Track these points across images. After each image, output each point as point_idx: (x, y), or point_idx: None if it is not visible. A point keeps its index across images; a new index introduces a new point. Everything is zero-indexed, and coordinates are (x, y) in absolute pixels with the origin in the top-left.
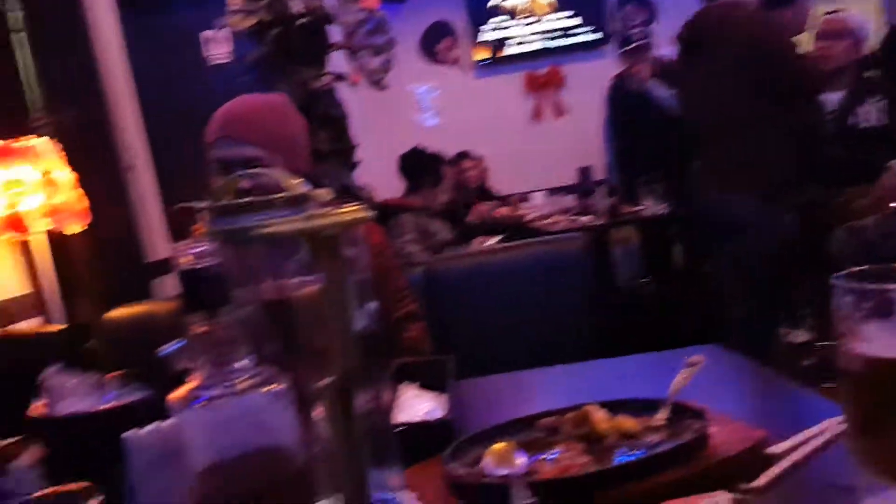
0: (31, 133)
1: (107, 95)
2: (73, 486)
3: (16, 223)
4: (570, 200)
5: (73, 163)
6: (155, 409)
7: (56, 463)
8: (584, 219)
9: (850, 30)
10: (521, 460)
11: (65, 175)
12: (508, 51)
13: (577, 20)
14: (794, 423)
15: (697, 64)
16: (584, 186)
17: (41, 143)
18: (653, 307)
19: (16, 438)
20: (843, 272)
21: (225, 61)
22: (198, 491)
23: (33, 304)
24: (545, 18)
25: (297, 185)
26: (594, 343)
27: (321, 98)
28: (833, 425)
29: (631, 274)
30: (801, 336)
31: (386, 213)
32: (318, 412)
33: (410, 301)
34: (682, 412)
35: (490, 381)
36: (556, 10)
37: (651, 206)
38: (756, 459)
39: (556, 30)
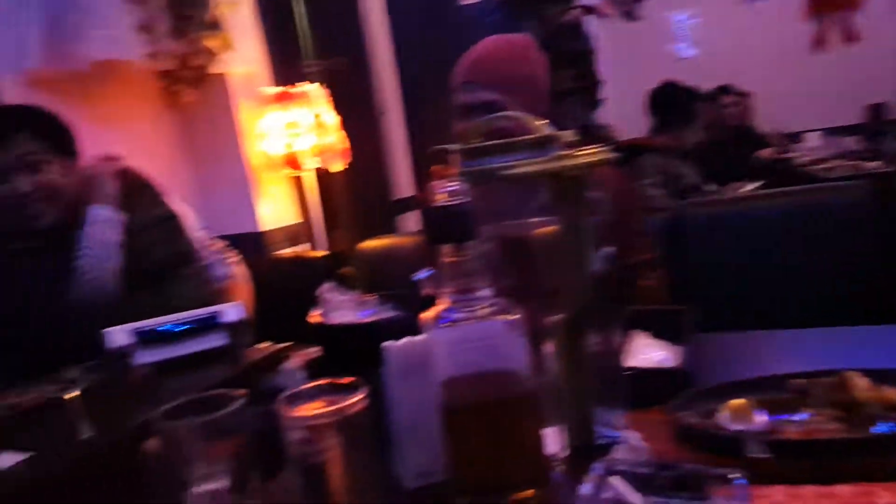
0: (304, 79)
1: (367, 43)
2: (343, 379)
3: (292, 161)
4: (852, 143)
5: (338, 107)
6: (408, 326)
7: (326, 364)
8: (871, 164)
9: None
10: (760, 418)
11: (331, 118)
12: None
13: None
14: None
15: None
16: (873, 127)
17: (313, 89)
18: None
19: (287, 344)
20: None
21: (474, 1)
22: (441, 396)
23: (304, 232)
24: None
25: (542, 126)
26: (864, 307)
27: (566, 33)
28: None
29: None
30: None
31: (629, 153)
32: (549, 346)
33: (649, 248)
34: None
35: (731, 337)
36: None
37: None
38: None
39: None
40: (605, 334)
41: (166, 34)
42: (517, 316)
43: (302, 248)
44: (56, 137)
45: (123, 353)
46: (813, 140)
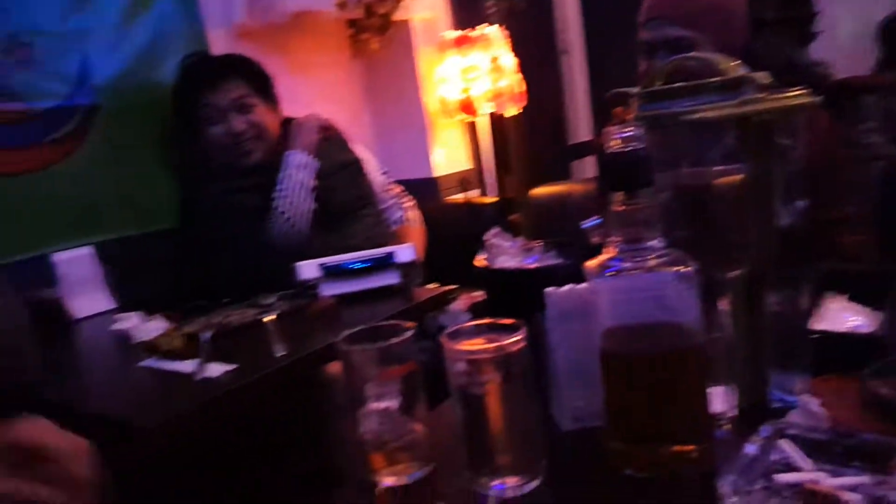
0: (484, 21)
1: None
2: (505, 320)
3: (467, 106)
4: None
5: (516, 49)
6: (571, 273)
7: (489, 307)
8: None
9: None
10: None
11: (509, 61)
12: None
13: None
14: None
15: None
16: None
17: (492, 31)
18: None
19: (454, 286)
20: None
21: None
22: (602, 346)
23: (475, 178)
24: None
25: (732, 67)
26: None
27: None
28: None
29: None
30: None
31: (845, 94)
32: (724, 302)
33: (855, 202)
34: None
35: None
36: None
37: None
38: None
39: None
40: (790, 294)
41: None
42: (690, 268)
43: (472, 195)
44: (260, 83)
45: (312, 285)
46: None
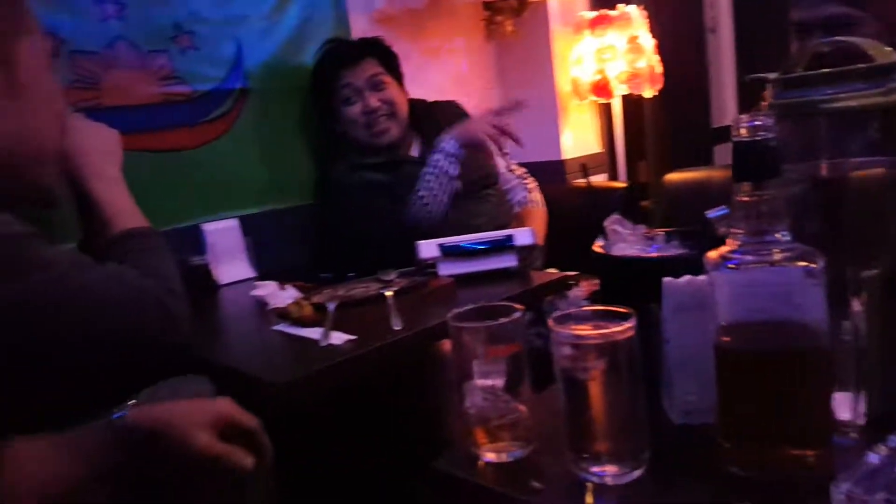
0: (624, 1)
1: None
2: (619, 308)
3: (601, 87)
4: None
5: (655, 28)
6: (691, 264)
7: (606, 295)
8: None
9: None
10: None
11: (648, 41)
12: None
13: None
14: None
15: None
16: None
17: (633, 10)
18: None
19: (574, 272)
20: None
21: None
22: (718, 340)
23: (605, 161)
24: None
25: (883, 53)
26: None
27: None
28: None
29: None
30: None
31: None
32: (857, 303)
33: None
34: None
35: None
36: None
37: None
38: None
39: None
40: None
41: None
42: (818, 265)
43: (601, 179)
44: (391, 62)
45: (430, 264)
46: None
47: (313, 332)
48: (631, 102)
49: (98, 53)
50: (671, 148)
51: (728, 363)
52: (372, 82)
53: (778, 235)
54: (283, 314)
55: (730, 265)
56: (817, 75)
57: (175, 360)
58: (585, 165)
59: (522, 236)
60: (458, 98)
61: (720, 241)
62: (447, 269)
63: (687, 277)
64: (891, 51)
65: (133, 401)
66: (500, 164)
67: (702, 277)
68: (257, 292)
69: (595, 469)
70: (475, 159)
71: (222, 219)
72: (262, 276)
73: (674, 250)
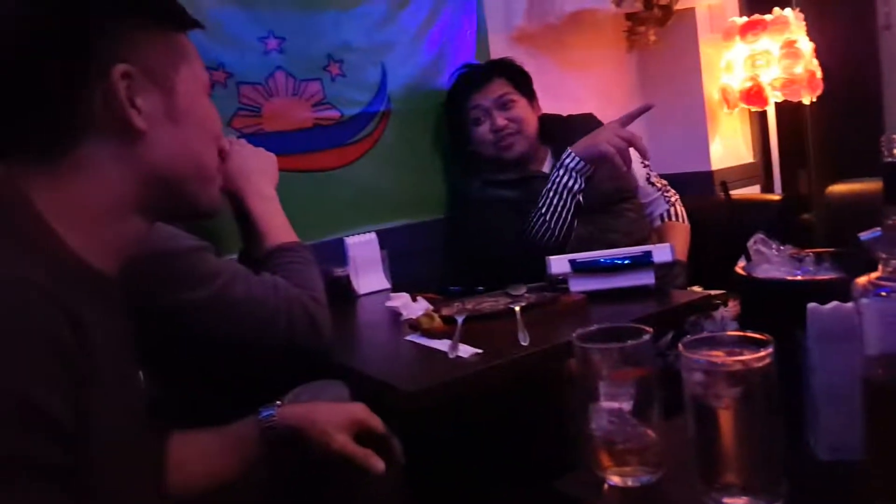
0: (779, 5)
1: None
2: (756, 335)
3: (753, 95)
4: None
5: (814, 30)
6: (839, 289)
7: (748, 318)
8: None
9: None
10: None
11: (806, 45)
12: None
13: None
14: None
15: None
16: None
17: (790, 14)
18: None
19: (720, 291)
20: None
21: None
22: (866, 373)
23: (757, 172)
24: None
25: None
26: None
27: None
28: None
29: None
30: None
31: None
32: None
33: None
34: None
35: None
36: None
37: None
38: None
39: None
40: None
41: None
42: None
43: (752, 190)
44: (520, 81)
45: (561, 280)
46: None
47: (442, 344)
48: (787, 110)
49: (260, 84)
50: (836, 157)
51: (878, 397)
52: (500, 102)
53: None
54: (414, 325)
55: (880, 293)
56: None
57: (317, 363)
58: (745, 175)
59: (661, 253)
60: (597, 110)
61: (874, 266)
62: (579, 286)
63: (834, 304)
64: None
65: (279, 401)
66: (640, 175)
67: (850, 304)
68: (391, 303)
69: (726, 500)
70: (610, 171)
71: (362, 232)
72: (396, 287)
73: (823, 273)
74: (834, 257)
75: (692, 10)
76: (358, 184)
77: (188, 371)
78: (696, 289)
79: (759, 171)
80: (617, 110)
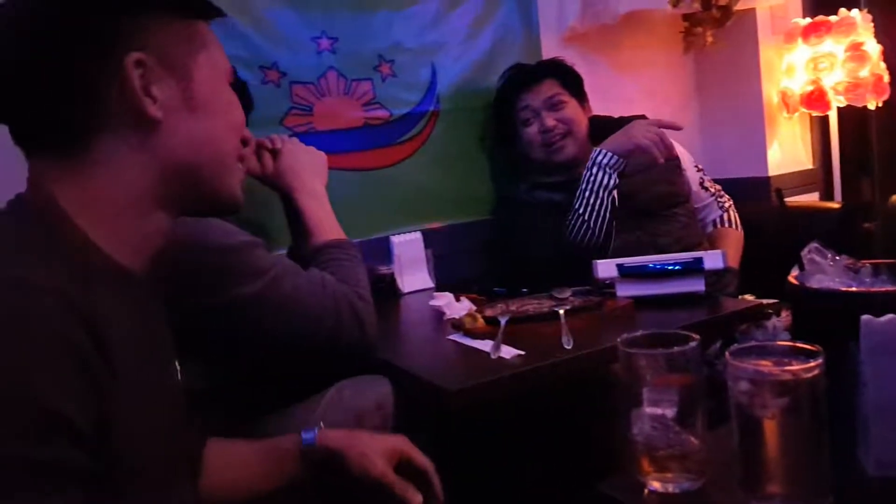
0: (845, 6)
1: None
2: (806, 346)
3: (815, 99)
4: None
5: (882, 33)
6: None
7: (800, 329)
8: None
9: None
10: None
11: (873, 47)
12: None
13: None
14: None
15: None
16: None
17: (857, 15)
18: None
19: (773, 300)
20: None
21: None
22: None
23: (813, 179)
24: None
25: None
26: None
27: None
28: None
29: None
30: None
31: None
32: None
33: None
34: None
35: None
36: None
37: None
38: None
39: None
40: None
41: None
42: None
43: (810, 198)
44: (571, 82)
45: (607, 284)
46: None
47: (484, 345)
48: (851, 115)
49: (312, 83)
50: None
51: None
52: (550, 103)
53: None
54: (457, 325)
55: None
56: None
57: (362, 358)
58: (804, 182)
59: (713, 259)
60: (650, 113)
61: None
62: (626, 291)
63: (889, 317)
64: None
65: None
66: (693, 179)
67: None
68: (435, 302)
69: None
70: (661, 174)
71: (407, 232)
72: (440, 286)
73: (880, 285)
74: (891, 269)
75: (752, 10)
76: (405, 183)
77: (236, 364)
78: (748, 297)
79: (819, 178)
80: (671, 112)
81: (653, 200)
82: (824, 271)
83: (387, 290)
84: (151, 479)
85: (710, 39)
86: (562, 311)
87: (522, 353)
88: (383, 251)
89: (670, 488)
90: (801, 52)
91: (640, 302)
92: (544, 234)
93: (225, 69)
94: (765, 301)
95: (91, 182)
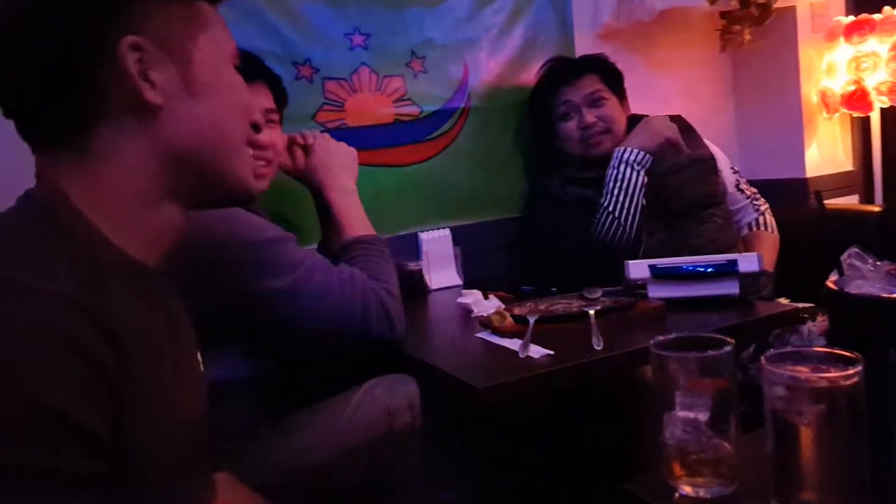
0: (891, 3)
1: None
2: (845, 352)
3: (856, 99)
4: None
5: None
6: None
7: (837, 336)
8: None
9: None
10: None
11: None
12: None
13: None
14: None
15: None
16: None
17: None
18: None
19: (808, 304)
20: None
21: None
22: None
23: (852, 181)
24: None
25: None
26: None
27: None
28: None
29: None
30: None
31: None
32: None
33: None
34: None
35: None
36: None
37: None
38: None
39: None
40: None
41: None
42: None
43: (850, 200)
44: (613, 78)
45: (639, 285)
46: None
47: (512, 343)
48: (893, 116)
49: (344, 79)
50: None
51: None
52: (590, 99)
53: None
54: (485, 323)
55: None
56: None
57: (390, 353)
58: (843, 183)
59: (748, 262)
60: (686, 112)
61: None
62: (658, 292)
63: None
64: None
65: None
66: (729, 181)
67: None
68: (463, 300)
69: None
70: (693, 177)
71: (436, 228)
72: (468, 284)
73: None
74: None
75: (793, 8)
76: (434, 180)
77: (265, 356)
78: (783, 301)
79: (859, 181)
80: (707, 112)
81: (687, 201)
82: (864, 276)
83: (415, 286)
84: (167, 473)
85: (748, 38)
86: (592, 312)
87: (551, 352)
88: (412, 247)
89: (702, 493)
90: (842, 52)
91: (671, 304)
92: (574, 230)
93: (228, 51)
94: (800, 305)
95: (96, 174)
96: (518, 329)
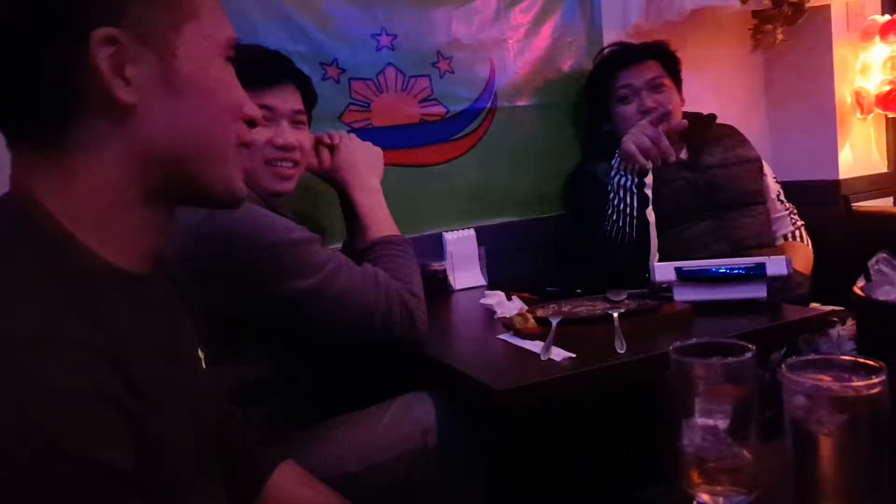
0: None
1: None
2: (869, 361)
3: (892, 100)
4: None
5: None
6: None
7: (864, 342)
8: None
9: None
10: None
11: None
12: None
13: None
14: None
15: None
16: None
17: None
18: None
19: (838, 308)
20: None
21: None
22: None
23: (887, 183)
24: None
25: None
26: None
27: None
28: None
29: None
30: None
31: None
32: None
33: None
34: None
35: None
36: None
37: None
38: None
39: None
40: None
41: None
42: None
43: (884, 203)
44: (672, 67)
45: (664, 287)
46: None
47: (534, 345)
48: None
49: (371, 79)
50: None
51: None
52: (651, 84)
53: None
54: (508, 324)
55: None
56: None
57: (411, 353)
58: (878, 186)
59: (776, 265)
60: (717, 112)
61: None
62: (684, 295)
63: None
64: None
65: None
66: (772, 189)
67: None
68: (486, 300)
69: None
70: (747, 172)
71: (461, 229)
72: (492, 284)
73: None
74: None
75: (827, 7)
76: (459, 180)
77: (289, 356)
78: (815, 305)
79: (893, 183)
80: (739, 112)
81: (736, 194)
82: (892, 282)
83: (438, 286)
84: (181, 479)
85: (780, 37)
86: (615, 315)
87: (573, 355)
88: (436, 247)
89: (720, 501)
90: (878, 51)
91: (698, 307)
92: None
93: (221, 42)
94: (828, 308)
95: (71, 178)
96: (540, 331)
